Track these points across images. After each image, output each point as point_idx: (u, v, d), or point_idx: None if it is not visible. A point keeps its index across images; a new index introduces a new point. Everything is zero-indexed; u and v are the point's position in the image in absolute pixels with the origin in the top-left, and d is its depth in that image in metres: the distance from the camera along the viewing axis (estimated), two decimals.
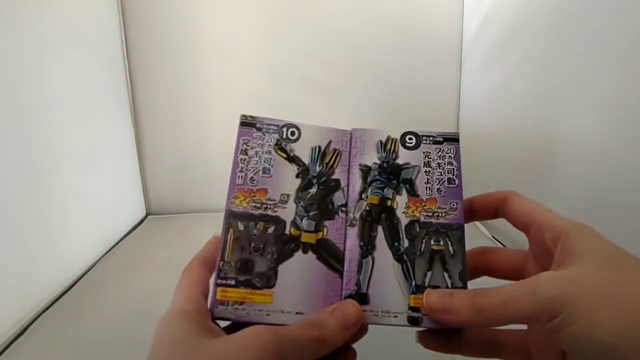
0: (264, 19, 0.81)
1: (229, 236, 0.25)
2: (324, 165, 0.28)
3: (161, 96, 0.81)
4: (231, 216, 0.26)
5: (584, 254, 0.20)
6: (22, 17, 0.48)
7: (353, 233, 0.27)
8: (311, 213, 0.27)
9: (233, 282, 0.24)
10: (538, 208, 0.25)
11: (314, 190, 0.27)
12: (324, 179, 0.28)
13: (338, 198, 0.28)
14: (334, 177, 0.28)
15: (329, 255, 0.26)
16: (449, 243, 0.26)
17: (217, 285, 0.24)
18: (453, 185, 0.28)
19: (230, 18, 0.80)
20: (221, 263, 0.25)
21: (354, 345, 0.26)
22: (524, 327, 0.25)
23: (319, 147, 0.28)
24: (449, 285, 0.25)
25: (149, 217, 0.84)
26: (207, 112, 0.83)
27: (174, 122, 0.83)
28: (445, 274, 0.25)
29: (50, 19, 0.53)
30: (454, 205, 0.27)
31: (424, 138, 0.29)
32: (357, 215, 0.27)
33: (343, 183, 0.28)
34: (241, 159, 0.27)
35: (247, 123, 0.28)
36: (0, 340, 0.42)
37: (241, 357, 0.19)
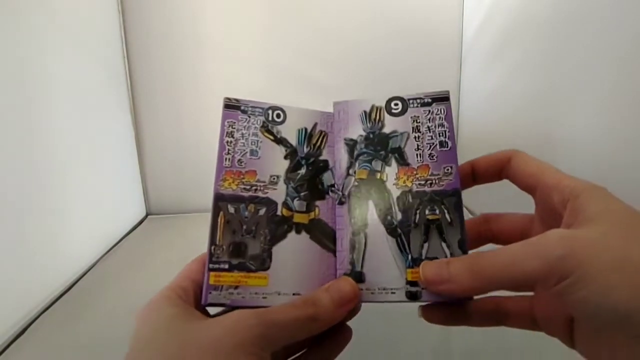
0: (264, 18, 0.81)
1: (219, 219, 0.25)
2: (312, 147, 0.28)
3: (161, 96, 0.81)
4: (220, 199, 0.25)
5: (596, 216, 0.18)
6: (22, 17, 0.48)
7: (343, 211, 0.26)
8: (302, 194, 0.26)
9: (226, 266, 0.24)
10: (544, 167, 0.23)
11: (303, 171, 0.27)
12: (312, 159, 0.27)
13: (327, 178, 0.27)
14: (321, 157, 0.28)
15: (322, 234, 0.26)
16: (445, 211, 0.25)
17: (209, 270, 0.23)
18: (446, 149, 0.26)
19: (230, 18, 0.80)
20: (212, 247, 0.24)
21: (350, 324, 0.26)
22: (530, 293, 0.24)
23: (305, 129, 0.28)
24: (448, 256, 0.24)
25: (149, 217, 0.84)
26: (207, 112, 0.82)
27: (174, 122, 0.83)
28: (444, 244, 0.24)
29: (50, 19, 0.53)
30: (448, 169, 0.26)
31: (411, 102, 0.27)
32: (346, 193, 0.26)
33: (331, 164, 0.28)
34: (227, 141, 0.26)
35: (232, 105, 0.27)
36: (0, 340, 0.41)
37: (226, 344, 0.19)
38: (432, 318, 0.24)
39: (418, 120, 0.27)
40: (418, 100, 0.27)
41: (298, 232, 0.26)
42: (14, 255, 0.44)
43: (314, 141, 0.28)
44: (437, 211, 0.25)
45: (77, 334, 0.43)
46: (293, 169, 0.27)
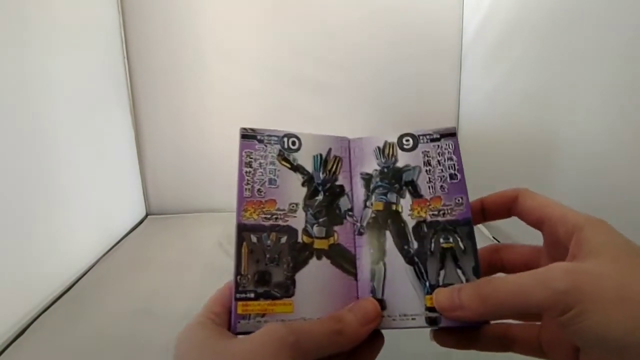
0: (264, 18, 0.81)
1: (243, 249, 0.25)
2: (327, 172, 0.29)
3: (161, 96, 0.81)
4: (243, 229, 0.26)
5: (599, 249, 0.20)
6: (22, 17, 0.48)
7: (362, 241, 0.27)
8: (320, 220, 0.27)
9: (252, 295, 0.24)
10: (550, 203, 0.24)
11: (320, 197, 0.28)
12: (328, 185, 0.28)
13: (344, 203, 0.28)
14: (337, 183, 0.29)
15: (342, 259, 0.27)
16: (459, 239, 0.26)
17: (236, 300, 0.24)
18: (456, 181, 0.28)
19: (230, 18, 0.80)
20: (238, 277, 0.25)
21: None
22: (537, 322, 0.25)
23: (321, 155, 0.29)
24: (464, 281, 0.25)
25: (149, 217, 0.84)
26: (207, 112, 0.83)
27: (174, 122, 0.83)
28: (459, 271, 0.25)
29: (50, 19, 0.53)
30: (459, 200, 0.27)
31: (421, 137, 0.29)
32: (364, 224, 0.27)
33: (347, 188, 0.28)
34: (246, 172, 0.27)
35: (248, 135, 0.28)
36: (0, 340, 0.41)
37: (263, 353, 0.19)
38: (444, 342, 0.25)
39: (429, 155, 0.29)
40: (427, 136, 0.29)
41: (319, 258, 0.26)
42: (14, 255, 0.44)
43: (329, 167, 0.29)
44: (451, 239, 0.26)
45: (77, 334, 0.43)
46: (311, 195, 0.28)
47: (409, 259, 0.26)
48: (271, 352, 0.19)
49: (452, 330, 0.25)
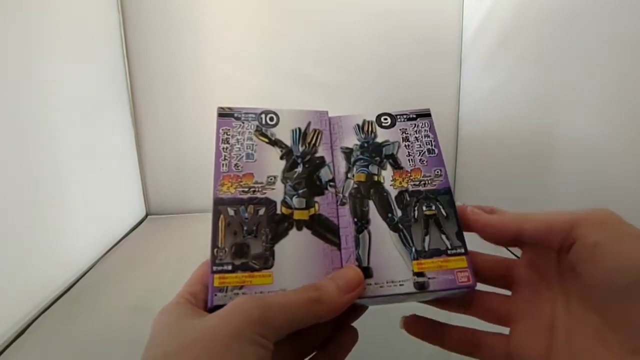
0: (264, 18, 0.81)
1: (220, 223, 0.25)
2: (307, 145, 0.29)
3: (161, 96, 0.81)
4: (220, 203, 0.26)
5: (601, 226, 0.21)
6: (22, 17, 0.48)
7: (345, 211, 0.27)
8: (300, 191, 0.27)
9: (230, 267, 0.24)
10: (525, 216, 0.24)
11: (299, 169, 0.28)
12: (308, 157, 0.28)
13: (325, 174, 0.28)
14: (317, 155, 0.29)
15: (324, 229, 0.26)
16: (440, 207, 0.27)
17: (213, 272, 0.24)
18: (434, 155, 0.29)
19: (230, 18, 0.80)
20: (215, 250, 0.24)
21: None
22: (507, 331, 0.25)
23: (299, 128, 0.29)
24: (449, 247, 0.26)
25: (149, 217, 0.84)
26: (206, 112, 0.82)
27: (174, 122, 0.83)
28: (443, 236, 0.26)
29: (50, 19, 0.53)
30: (438, 172, 0.28)
31: (398, 117, 0.31)
32: (347, 194, 0.28)
33: (328, 160, 0.28)
34: (223, 148, 0.27)
35: (225, 114, 0.28)
36: (0, 340, 0.42)
37: (222, 331, 0.18)
38: (412, 330, 0.26)
39: (406, 132, 0.30)
40: (404, 116, 0.31)
41: (299, 228, 0.26)
42: (14, 256, 0.44)
43: (308, 139, 0.29)
44: (433, 207, 0.27)
45: (77, 334, 0.43)
46: (289, 168, 0.27)
47: (393, 226, 0.26)
48: (234, 326, 0.18)
49: (418, 321, 0.26)
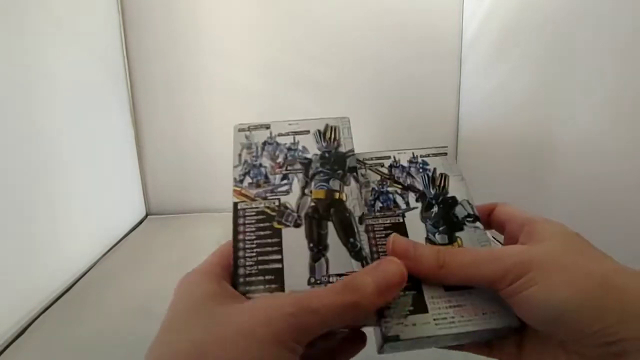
0: (264, 18, 0.81)
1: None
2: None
3: (161, 96, 0.81)
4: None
5: (549, 235, 0.21)
6: (22, 17, 0.48)
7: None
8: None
9: None
10: (516, 210, 0.26)
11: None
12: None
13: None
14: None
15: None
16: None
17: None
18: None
19: (229, 18, 0.80)
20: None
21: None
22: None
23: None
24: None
25: (149, 217, 0.84)
26: (206, 112, 0.83)
27: (174, 122, 0.83)
28: None
29: (50, 19, 0.53)
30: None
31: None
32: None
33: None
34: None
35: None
36: (0, 340, 0.42)
37: (259, 334, 0.17)
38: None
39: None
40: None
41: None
42: (14, 256, 0.44)
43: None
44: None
45: (77, 333, 0.43)
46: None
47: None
48: (273, 330, 0.17)
49: None
